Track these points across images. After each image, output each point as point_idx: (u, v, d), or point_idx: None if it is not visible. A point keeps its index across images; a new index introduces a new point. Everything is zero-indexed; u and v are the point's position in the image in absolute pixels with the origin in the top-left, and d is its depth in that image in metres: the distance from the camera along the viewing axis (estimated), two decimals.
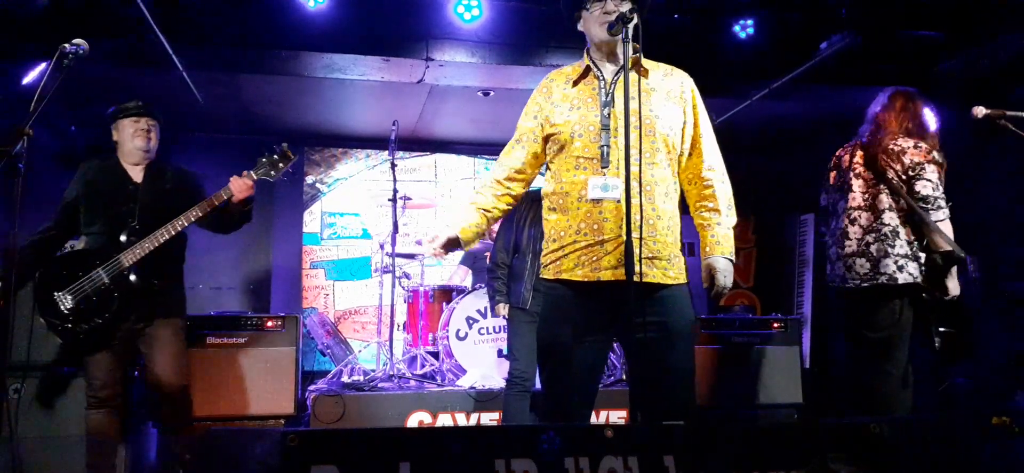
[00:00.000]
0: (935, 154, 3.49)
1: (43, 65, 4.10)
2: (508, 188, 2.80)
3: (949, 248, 3.39)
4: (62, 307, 3.46)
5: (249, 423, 4.80)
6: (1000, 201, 5.21)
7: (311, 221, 7.54)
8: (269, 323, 5.00)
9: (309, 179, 7.61)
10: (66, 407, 4.22)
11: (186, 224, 3.55)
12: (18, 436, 3.98)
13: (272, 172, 3.72)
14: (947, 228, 3.41)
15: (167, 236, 3.51)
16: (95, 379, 3.53)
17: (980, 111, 3.33)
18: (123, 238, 3.51)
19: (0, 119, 4.39)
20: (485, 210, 2.79)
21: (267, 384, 4.88)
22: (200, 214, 3.54)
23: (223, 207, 3.62)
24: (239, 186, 3.60)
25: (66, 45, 2.96)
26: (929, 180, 3.43)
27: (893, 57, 5.57)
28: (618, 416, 5.01)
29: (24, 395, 4.14)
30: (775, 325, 5.77)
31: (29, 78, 4.50)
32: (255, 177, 3.68)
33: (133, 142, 3.67)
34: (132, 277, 3.49)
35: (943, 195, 3.43)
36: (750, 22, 5.36)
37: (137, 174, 3.70)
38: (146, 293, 3.54)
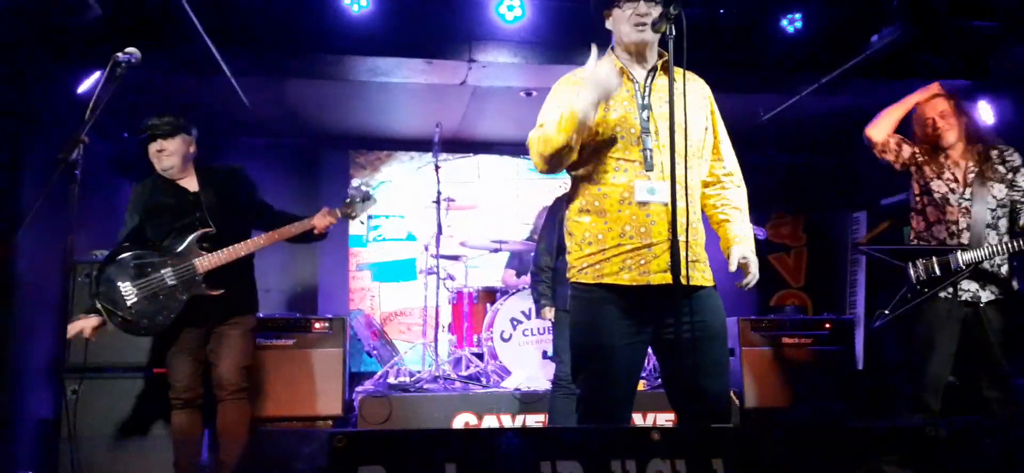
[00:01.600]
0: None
1: (97, 74, 4.20)
2: None
3: None
4: (124, 299, 3.57)
5: (297, 424, 4.86)
6: None
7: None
8: (317, 325, 5.06)
9: (355, 182, 7.65)
10: (123, 408, 4.33)
11: (267, 243, 3.69)
12: (76, 436, 4.09)
13: (353, 213, 3.85)
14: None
15: (246, 251, 3.65)
16: (177, 381, 3.64)
17: None
18: (199, 247, 3.62)
19: (57, 127, 4.52)
20: None
21: (315, 385, 4.94)
22: (279, 238, 3.69)
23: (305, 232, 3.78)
24: (323, 222, 3.76)
25: (119, 54, 3.02)
26: None
27: (946, 49, 5.40)
28: (665, 418, 4.95)
29: (82, 396, 4.25)
30: (827, 326, 5.65)
31: (84, 87, 4.62)
32: (339, 215, 3.81)
33: (158, 164, 3.72)
34: (204, 285, 3.60)
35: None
36: (798, 16, 5.23)
37: (191, 184, 3.77)
38: (217, 299, 3.63)
